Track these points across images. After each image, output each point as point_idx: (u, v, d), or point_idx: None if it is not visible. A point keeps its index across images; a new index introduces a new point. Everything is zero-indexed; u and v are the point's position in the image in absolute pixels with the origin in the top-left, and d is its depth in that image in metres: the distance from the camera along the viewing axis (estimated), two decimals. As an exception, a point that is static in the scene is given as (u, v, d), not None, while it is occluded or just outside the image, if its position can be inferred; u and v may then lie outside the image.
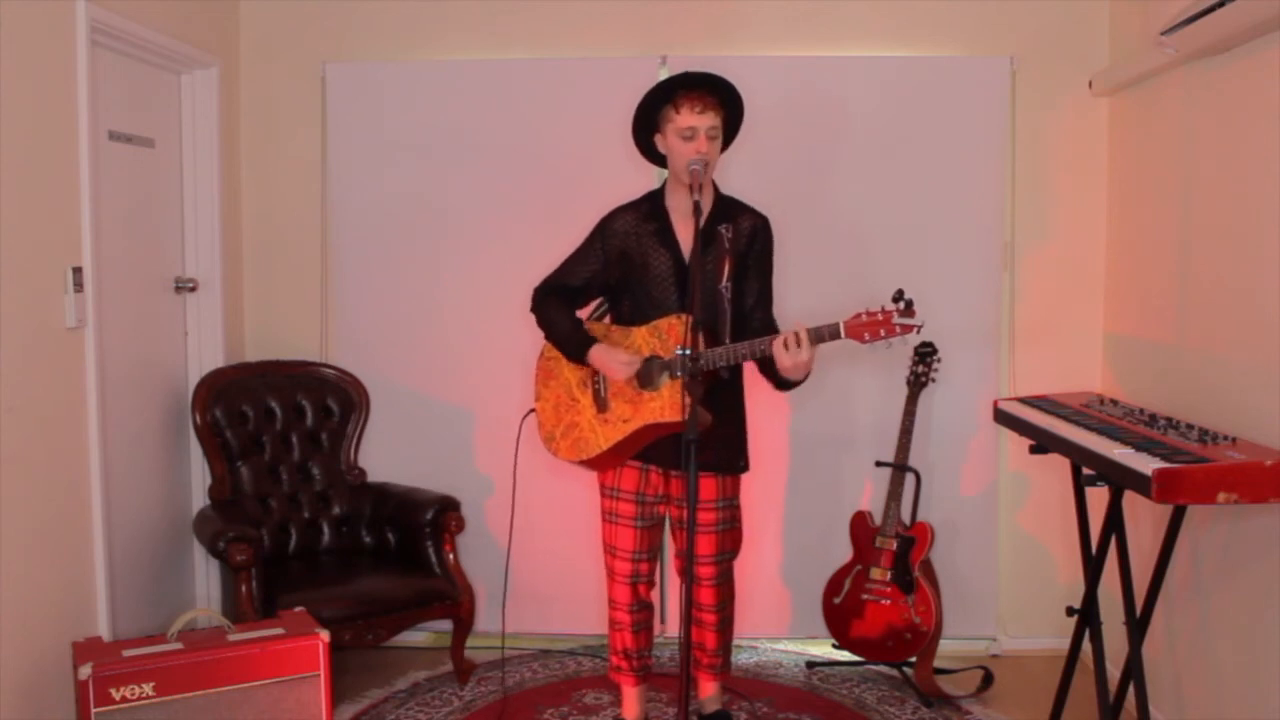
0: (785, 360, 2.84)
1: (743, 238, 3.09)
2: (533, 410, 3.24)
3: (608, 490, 3.19)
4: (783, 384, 3.00)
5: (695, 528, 2.69)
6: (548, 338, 3.20)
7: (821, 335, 2.83)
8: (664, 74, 3.24)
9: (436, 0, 4.13)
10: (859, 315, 2.79)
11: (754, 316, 3.12)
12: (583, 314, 3.24)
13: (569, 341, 3.12)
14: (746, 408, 3.21)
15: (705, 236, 3.03)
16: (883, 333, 2.77)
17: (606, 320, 3.25)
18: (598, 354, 3.06)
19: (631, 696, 3.33)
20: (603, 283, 3.18)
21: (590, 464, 3.13)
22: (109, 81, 3.41)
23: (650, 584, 3.27)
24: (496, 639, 4.01)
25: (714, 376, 2.99)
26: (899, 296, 2.79)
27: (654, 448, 3.07)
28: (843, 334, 2.79)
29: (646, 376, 3.02)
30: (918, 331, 2.80)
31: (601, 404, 3.08)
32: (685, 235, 3.07)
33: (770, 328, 3.10)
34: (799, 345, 2.82)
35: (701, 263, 3.00)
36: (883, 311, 2.78)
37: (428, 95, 4.11)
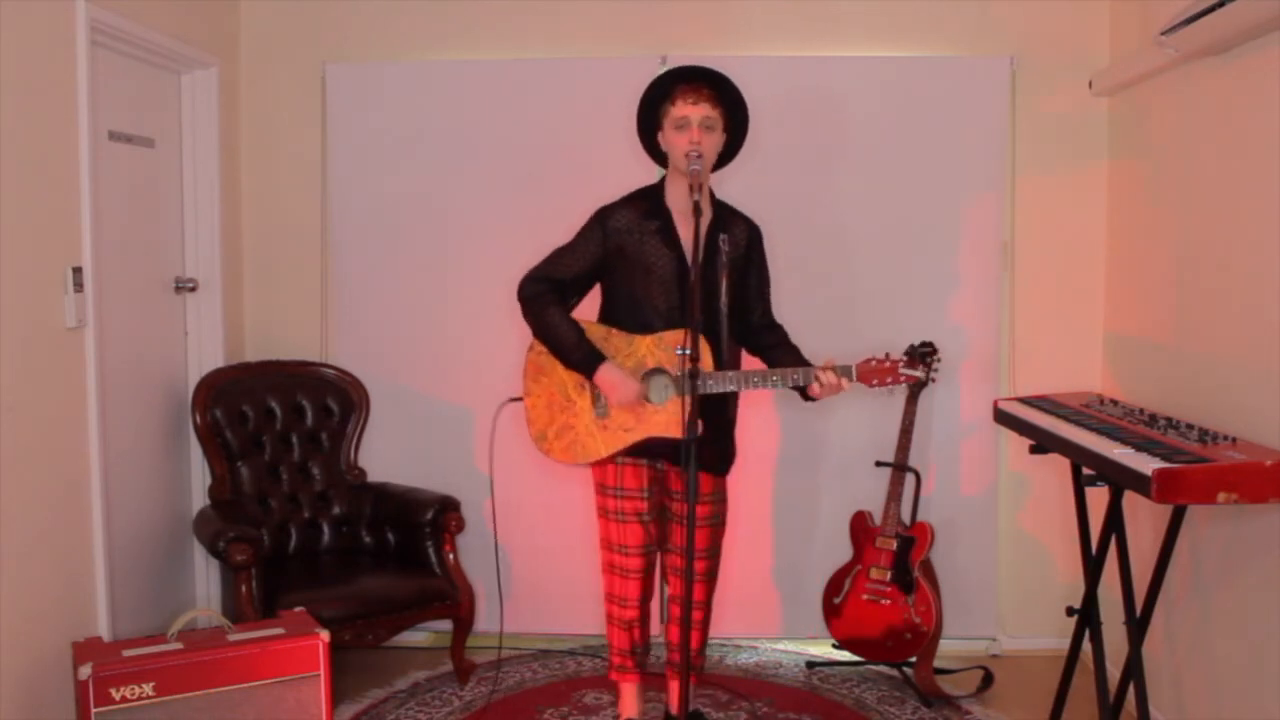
0: (815, 391, 2.99)
1: (740, 248, 3.12)
2: (512, 400, 3.20)
3: (610, 490, 3.15)
4: (809, 398, 3.08)
5: (695, 526, 2.72)
6: (543, 340, 3.09)
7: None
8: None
9: (437, 1, 4.13)
10: (869, 360, 3.02)
11: (760, 322, 3.20)
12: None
13: (573, 353, 3.02)
14: (738, 410, 3.24)
15: (707, 244, 3.03)
16: (889, 379, 3.02)
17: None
18: (606, 377, 3.00)
19: (632, 694, 3.33)
20: (592, 278, 3.13)
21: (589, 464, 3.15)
22: (109, 81, 3.41)
23: (654, 569, 3.28)
24: (496, 639, 4.01)
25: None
26: (912, 350, 3.24)
27: (653, 445, 3.06)
28: (854, 377, 3.00)
29: (649, 388, 3.04)
30: (923, 382, 3.19)
31: (601, 410, 3.06)
32: (687, 236, 3.04)
33: (775, 331, 3.22)
34: (824, 382, 2.97)
35: (705, 270, 3.02)
36: (890, 360, 3.03)
37: (428, 95, 4.11)
